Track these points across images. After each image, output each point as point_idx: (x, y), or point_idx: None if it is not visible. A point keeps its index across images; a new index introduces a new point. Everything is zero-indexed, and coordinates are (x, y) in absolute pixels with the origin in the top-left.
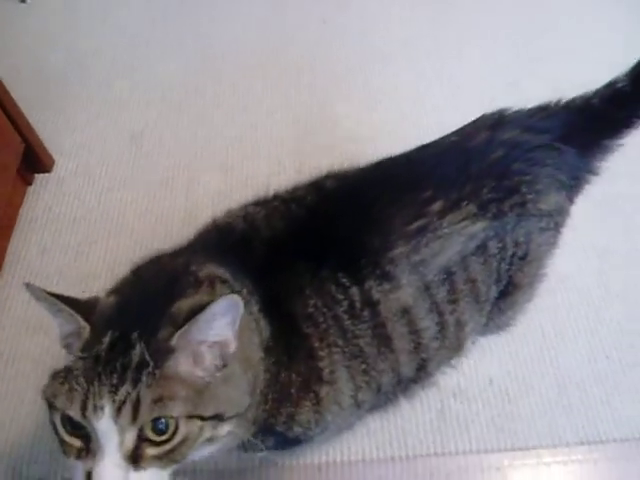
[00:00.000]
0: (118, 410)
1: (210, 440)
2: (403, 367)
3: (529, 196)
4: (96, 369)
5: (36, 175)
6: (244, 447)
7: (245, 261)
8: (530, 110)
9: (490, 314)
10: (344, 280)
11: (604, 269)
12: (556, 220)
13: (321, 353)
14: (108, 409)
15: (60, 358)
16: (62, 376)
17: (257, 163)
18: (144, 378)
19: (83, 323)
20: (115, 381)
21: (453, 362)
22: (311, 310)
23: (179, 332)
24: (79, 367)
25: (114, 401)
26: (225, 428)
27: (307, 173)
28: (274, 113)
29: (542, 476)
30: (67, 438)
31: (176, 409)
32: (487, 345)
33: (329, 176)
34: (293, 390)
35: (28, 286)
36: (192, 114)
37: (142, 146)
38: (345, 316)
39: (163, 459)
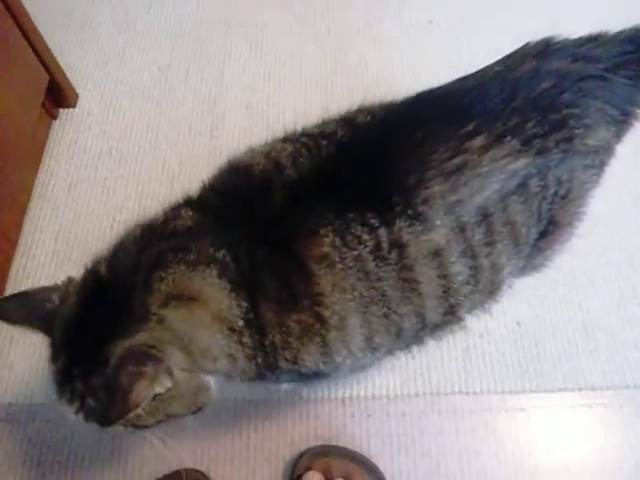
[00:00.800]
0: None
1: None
2: (429, 312)
3: (577, 131)
4: (57, 380)
5: (61, 110)
6: (261, 378)
7: (257, 204)
8: (578, 39)
9: (528, 255)
10: (373, 220)
11: (639, 216)
12: (602, 158)
13: (331, 298)
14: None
15: None
16: None
17: (284, 102)
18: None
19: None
20: (68, 397)
21: (487, 306)
22: (327, 250)
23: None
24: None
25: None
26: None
27: (335, 112)
28: (303, 50)
29: (567, 418)
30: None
31: None
32: (516, 287)
33: (361, 110)
34: (295, 334)
35: None
36: (219, 50)
37: (169, 80)
38: (369, 257)
39: None
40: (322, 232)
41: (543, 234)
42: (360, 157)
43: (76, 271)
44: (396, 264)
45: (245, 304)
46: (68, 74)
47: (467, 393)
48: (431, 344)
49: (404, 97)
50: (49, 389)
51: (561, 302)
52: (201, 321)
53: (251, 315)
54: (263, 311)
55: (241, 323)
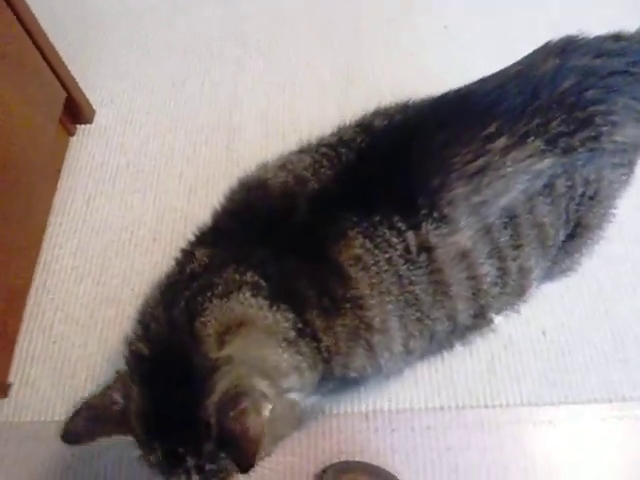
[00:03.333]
0: None
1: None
2: (460, 315)
3: (603, 128)
4: (164, 470)
5: (78, 126)
6: (321, 389)
7: (281, 227)
8: (599, 37)
9: (556, 258)
10: (400, 224)
11: None
12: (630, 156)
13: (371, 301)
14: None
15: (106, 305)
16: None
17: (298, 112)
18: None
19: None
20: (185, 476)
21: (515, 308)
22: (359, 251)
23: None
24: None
25: None
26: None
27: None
28: (316, 62)
29: (596, 431)
30: None
31: None
32: (539, 295)
33: (377, 114)
34: (343, 338)
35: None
36: (233, 63)
37: (184, 94)
38: (400, 261)
39: None
40: (350, 234)
41: (571, 236)
42: (381, 162)
43: (95, 286)
44: (426, 267)
45: (290, 315)
46: (85, 91)
47: (493, 406)
48: (456, 353)
49: (422, 99)
50: (69, 407)
51: (587, 310)
52: (259, 341)
53: (300, 325)
54: (310, 319)
55: (293, 334)
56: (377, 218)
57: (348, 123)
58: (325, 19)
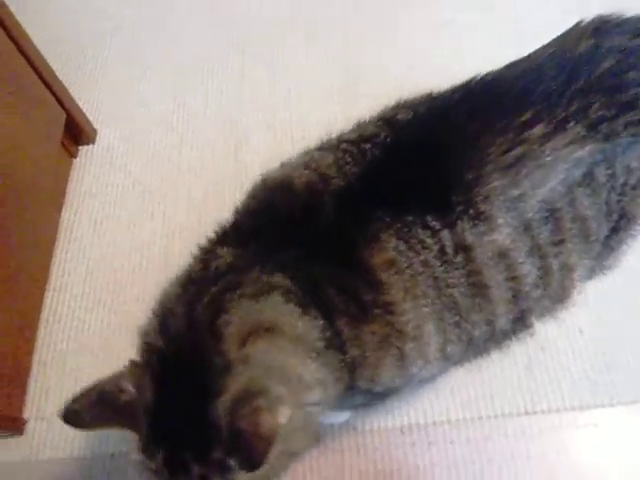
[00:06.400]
0: None
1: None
2: (499, 319)
3: None
4: (164, 475)
5: (80, 147)
6: (341, 403)
7: (306, 227)
8: (633, 16)
9: (599, 255)
10: (433, 223)
11: None
12: None
13: (404, 306)
14: None
15: (120, 332)
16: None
17: (305, 117)
18: None
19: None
20: None
21: (556, 313)
22: (392, 254)
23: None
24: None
25: None
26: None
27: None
28: (320, 63)
29: None
30: None
31: None
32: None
33: (398, 107)
34: (369, 353)
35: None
36: (235, 72)
37: (187, 108)
38: (437, 262)
39: None
40: (383, 237)
41: (614, 230)
42: (409, 157)
43: (107, 313)
44: (463, 268)
45: (320, 323)
46: (85, 111)
47: (534, 412)
48: (492, 359)
49: (446, 89)
50: (90, 441)
51: (626, 305)
52: (285, 349)
53: (329, 333)
54: (339, 328)
55: (322, 344)
56: (409, 218)
57: (367, 119)
58: (324, 21)
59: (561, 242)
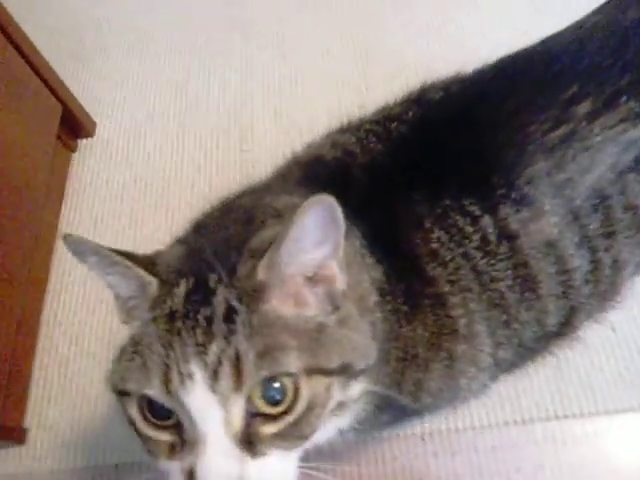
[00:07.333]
0: (214, 374)
1: (340, 407)
2: (550, 317)
3: None
4: (174, 328)
5: (79, 141)
6: (356, 429)
7: (341, 192)
8: None
9: None
10: (472, 208)
11: None
12: None
13: (453, 300)
14: (200, 375)
15: (123, 334)
16: (129, 351)
17: (315, 104)
18: (239, 327)
19: (148, 277)
20: (202, 338)
21: (604, 314)
22: (435, 246)
23: (263, 261)
24: (150, 332)
25: (206, 363)
26: (356, 388)
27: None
28: (329, 47)
29: None
30: (151, 433)
31: (291, 362)
32: None
33: (426, 88)
34: (419, 348)
35: (67, 238)
36: (239, 58)
37: (189, 97)
38: (478, 254)
39: (287, 437)
40: (427, 225)
41: None
42: (441, 135)
43: (109, 315)
44: (509, 259)
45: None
46: (83, 103)
47: (565, 417)
48: None
49: (479, 67)
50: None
51: None
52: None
53: (387, 287)
54: (395, 292)
55: (386, 287)
56: (447, 202)
57: (389, 103)
58: (334, 2)
59: (612, 234)
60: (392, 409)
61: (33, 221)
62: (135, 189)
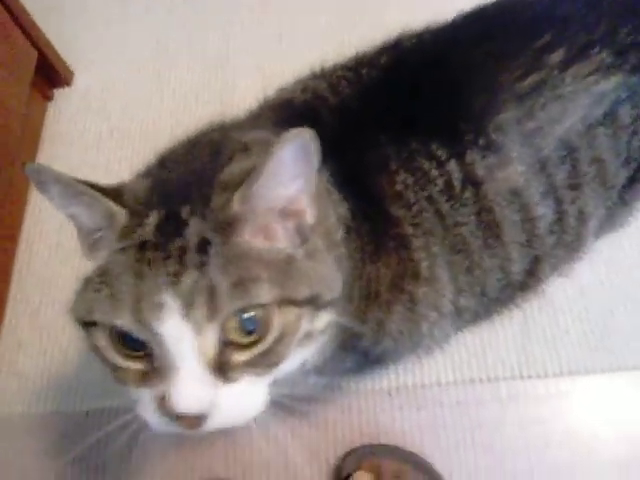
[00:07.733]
0: (188, 303)
1: (308, 337)
2: (513, 265)
3: None
4: (144, 259)
5: (55, 90)
6: (319, 370)
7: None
8: None
9: (611, 209)
10: (439, 152)
11: None
12: None
13: (416, 242)
14: (174, 304)
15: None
16: (96, 282)
17: (298, 60)
18: (213, 259)
19: (116, 207)
20: (174, 268)
21: (568, 267)
22: (400, 188)
23: (237, 194)
24: (119, 262)
25: (180, 293)
26: (323, 318)
27: None
28: (314, 4)
29: None
30: (121, 362)
31: (263, 293)
32: None
33: (400, 38)
34: (382, 288)
35: (29, 166)
36: (222, 15)
37: (169, 51)
38: (442, 198)
39: (258, 365)
40: (393, 167)
41: (631, 180)
42: (411, 79)
43: (82, 265)
44: (473, 204)
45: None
46: (61, 52)
47: (529, 377)
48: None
49: (455, 16)
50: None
51: (630, 266)
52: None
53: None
54: (360, 232)
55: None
56: (414, 144)
57: (364, 50)
58: None
59: (578, 186)
60: (355, 353)
61: (6, 169)
62: (112, 140)
